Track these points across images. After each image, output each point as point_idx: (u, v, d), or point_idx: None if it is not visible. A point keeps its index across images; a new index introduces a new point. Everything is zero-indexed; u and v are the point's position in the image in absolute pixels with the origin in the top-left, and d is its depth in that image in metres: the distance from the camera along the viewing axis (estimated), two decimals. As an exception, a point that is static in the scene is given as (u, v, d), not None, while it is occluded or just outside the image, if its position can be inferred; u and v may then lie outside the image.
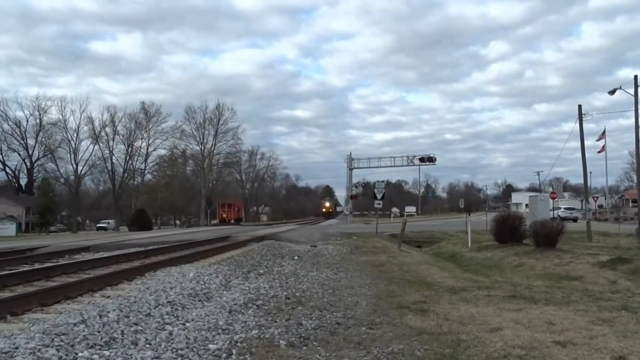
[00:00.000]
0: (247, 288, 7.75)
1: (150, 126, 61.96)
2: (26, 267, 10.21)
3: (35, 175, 64.48)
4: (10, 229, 42.88)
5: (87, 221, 68.45)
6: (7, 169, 63.60)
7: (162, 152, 65.66)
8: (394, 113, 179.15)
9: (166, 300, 6.29)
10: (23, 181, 65.20)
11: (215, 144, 64.47)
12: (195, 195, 66.91)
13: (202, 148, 64.02)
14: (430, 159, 48.77)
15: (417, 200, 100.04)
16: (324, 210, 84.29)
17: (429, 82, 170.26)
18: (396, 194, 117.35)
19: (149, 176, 66.93)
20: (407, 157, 49.73)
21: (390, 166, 51.60)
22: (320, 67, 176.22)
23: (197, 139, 63.80)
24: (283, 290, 7.71)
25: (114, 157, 59.44)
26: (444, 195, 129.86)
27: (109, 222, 61.31)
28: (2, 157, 61.94)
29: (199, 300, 6.58)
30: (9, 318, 5.42)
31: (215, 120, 64.23)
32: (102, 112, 63.66)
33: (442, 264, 13.83)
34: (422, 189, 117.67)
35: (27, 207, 61.01)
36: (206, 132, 64.13)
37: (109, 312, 5.43)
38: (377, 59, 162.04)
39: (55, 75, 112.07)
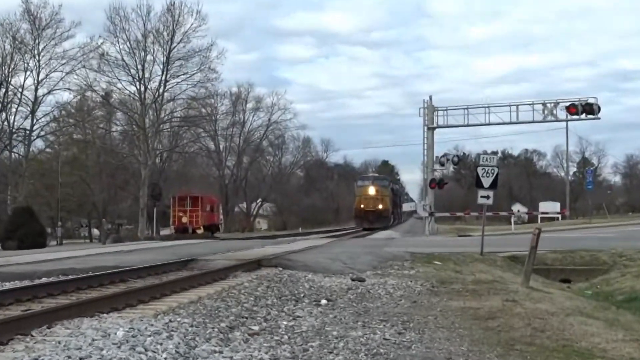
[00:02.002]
0: (229, 361, 7.82)
1: (41, 47, 62.81)
2: None
3: None
4: None
5: None
6: None
7: (65, 96, 66.74)
8: (517, 19, 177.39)
9: (72, 384, 6.36)
10: None
11: (166, 81, 65.04)
12: (130, 180, 68.10)
13: (142, 89, 64.64)
14: (590, 109, 47.95)
15: (564, 190, 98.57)
16: (362, 206, 70.56)
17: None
18: (521, 177, 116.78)
19: (40, 143, 68.12)
20: (544, 104, 48.76)
21: (510, 123, 51.04)
22: None
23: (133, 70, 64.29)
24: (297, 365, 7.64)
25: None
26: (616, 180, 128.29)
27: None
28: None
29: (136, 386, 6.70)
30: None
31: (166, 34, 64.81)
32: (-51, 21, 63.87)
33: (611, 314, 13.84)
34: (573, 169, 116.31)
35: None
36: (149, 58, 64.71)
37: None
38: None
39: None
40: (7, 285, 14.78)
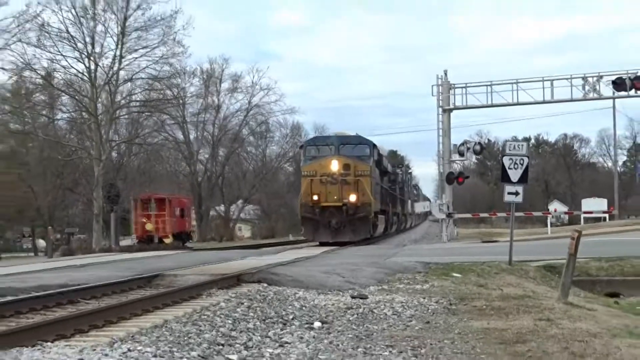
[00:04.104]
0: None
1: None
2: None
3: None
4: None
5: None
6: None
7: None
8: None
9: None
10: None
11: (121, 57, 58.80)
12: (81, 180, 64.72)
13: (92, 67, 58.69)
14: (640, 84, 44.55)
15: (612, 184, 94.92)
16: (314, 197, 39.71)
17: None
18: (560, 168, 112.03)
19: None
20: (584, 79, 45.14)
21: (543, 102, 47.15)
22: None
23: (80, 44, 57.72)
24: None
25: None
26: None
27: None
28: None
29: None
30: None
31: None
32: None
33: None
34: (623, 158, 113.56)
35: None
36: (100, 29, 58.31)
37: None
38: None
39: None
40: None
